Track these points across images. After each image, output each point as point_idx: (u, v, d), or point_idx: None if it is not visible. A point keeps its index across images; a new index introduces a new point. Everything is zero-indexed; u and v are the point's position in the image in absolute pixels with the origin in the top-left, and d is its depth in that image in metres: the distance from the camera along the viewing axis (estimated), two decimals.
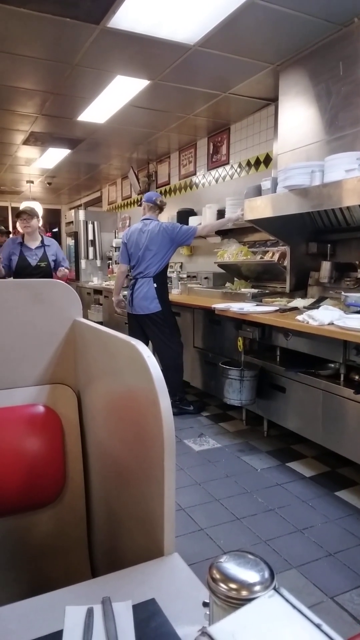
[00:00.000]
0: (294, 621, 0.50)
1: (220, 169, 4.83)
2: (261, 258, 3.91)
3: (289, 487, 2.58)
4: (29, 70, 3.41)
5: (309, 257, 3.37)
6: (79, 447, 1.19)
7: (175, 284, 5.02)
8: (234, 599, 0.54)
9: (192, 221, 4.76)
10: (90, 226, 7.42)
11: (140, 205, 3.93)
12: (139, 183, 6.39)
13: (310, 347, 2.66)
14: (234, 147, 4.59)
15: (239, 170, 4.54)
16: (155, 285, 3.66)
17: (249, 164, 4.38)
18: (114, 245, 7.02)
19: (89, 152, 5.82)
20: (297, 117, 3.20)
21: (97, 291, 6.50)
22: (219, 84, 3.66)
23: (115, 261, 6.66)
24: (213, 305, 3.33)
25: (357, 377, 2.51)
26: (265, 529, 2.19)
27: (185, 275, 5.22)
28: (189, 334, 4.02)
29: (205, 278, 4.69)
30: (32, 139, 5.22)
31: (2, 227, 7.17)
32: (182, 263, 5.60)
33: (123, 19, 2.65)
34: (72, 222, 7.70)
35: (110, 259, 7.26)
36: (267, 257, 3.85)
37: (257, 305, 3.24)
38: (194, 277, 5.03)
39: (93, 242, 7.45)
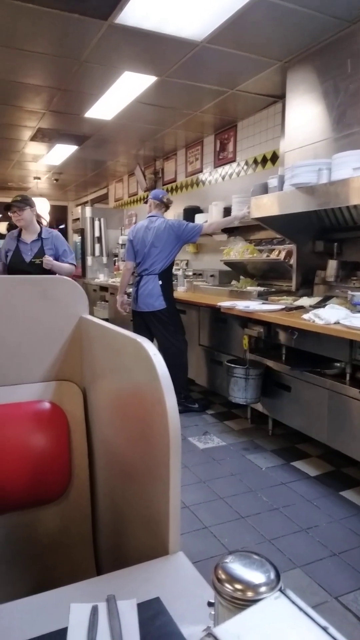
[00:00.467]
0: (300, 623, 0.50)
1: (226, 167, 4.82)
2: (267, 256, 3.90)
3: (294, 486, 2.57)
4: (37, 66, 3.41)
5: (315, 256, 3.36)
6: (84, 444, 1.19)
7: (181, 282, 5.01)
8: (240, 600, 0.54)
9: (198, 219, 4.75)
10: (96, 223, 7.42)
11: (146, 202, 3.92)
12: (145, 180, 6.38)
13: (316, 346, 2.65)
14: (241, 144, 4.57)
15: (245, 167, 4.52)
16: (160, 282, 3.65)
17: (255, 161, 4.36)
18: (120, 242, 7.01)
19: (96, 149, 5.82)
20: (305, 114, 3.17)
21: (103, 288, 6.50)
22: (226, 80, 3.64)
23: (122, 258, 6.66)
24: (219, 303, 3.33)
25: None
26: (270, 528, 2.19)
27: (191, 273, 5.21)
28: (195, 331, 4.01)
29: (211, 276, 4.68)
30: (40, 135, 5.22)
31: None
32: (188, 260, 5.59)
33: (131, 15, 2.64)
34: (78, 218, 7.71)
35: (116, 255, 7.26)
36: (273, 255, 3.83)
37: (262, 303, 3.22)
38: (200, 274, 5.02)
39: (99, 239, 7.45)
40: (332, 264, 3.15)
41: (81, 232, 7.56)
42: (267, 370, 3.07)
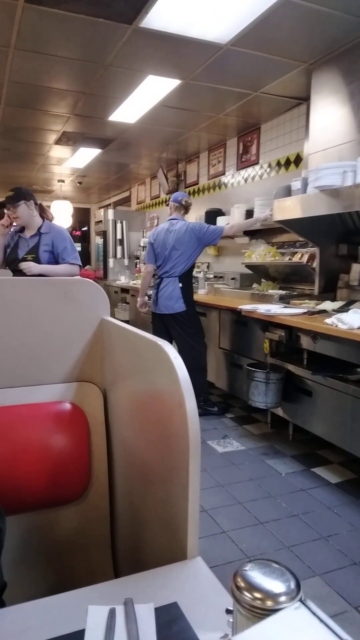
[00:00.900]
0: (320, 635, 0.49)
1: (249, 169, 4.79)
2: (290, 259, 3.86)
3: (314, 493, 2.53)
4: (62, 71, 3.46)
5: (338, 259, 3.31)
6: (104, 446, 1.19)
7: (202, 284, 5.01)
8: (259, 609, 0.53)
9: (220, 221, 4.73)
10: (118, 225, 7.48)
11: (168, 205, 3.93)
12: (167, 183, 6.40)
13: (339, 351, 2.61)
14: (264, 146, 4.55)
15: (268, 170, 4.49)
16: (180, 285, 3.65)
17: (279, 164, 4.33)
18: (142, 245, 7.05)
19: (119, 152, 5.87)
20: (329, 116, 3.13)
21: (124, 290, 6.54)
22: (250, 83, 3.63)
23: (143, 261, 6.69)
24: (240, 306, 3.31)
25: None
26: (289, 534, 2.16)
27: (212, 276, 5.20)
28: (215, 334, 4.00)
29: (232, 279, 4.66)
30: (64, 139, 5.29)
31: None
32: (209, 263, 5.58)
33: (155, 19, 2.66)
34: (101, 221, 7.78)
35: (137, 258, 7.30)
36: (295, 259, 3.80)
37: (284, 307, 3.19)
38: (221, 277, 5.01)
39: (121, 241, 7.51)
40: (356, 268, 3.10)
41: (103, 234, 7.63)
42: (288, 374, 3.04)
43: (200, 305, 3.97)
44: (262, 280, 4.27)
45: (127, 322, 4.80)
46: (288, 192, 3.30)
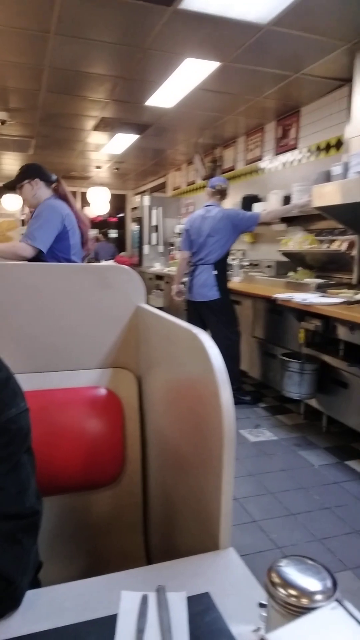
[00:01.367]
0: (358, 638, 0.48)
1: (288, 154, 4.67)
2: (328, 247, 3.76)
3: (347, 486, 2.49)
4: (101, 56, 3.45)
5: None
6: (138, 432, 1.20)
7: (237, 272, 4.95)
8: (293, 606, 0.52)
9: (257, 208, 4.65)
10: (154, 212, 7.47)
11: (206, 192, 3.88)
12: (204, 168, 6.33)
13: None
14: (304, 130, 4.41)
15: (308, 154, 4.36)
16: (215, 272, 3.62)
17: (318, 148, 4.20)
18: (177, 231, 7.03)
19: (156, 138, 5.83)
20: None
21: (159, 277, 6.55)
22: (291, 64, 3.52)
23: (178, 247, 6.68)
24: (275, 295, 3.25)
25: None
26: (321, 527, 2.13)
27: (247, 263, 5.13)
28: (249, 323, 3.96)
29: (268, 266, 4.58)
30: (102, 125, 5.30)
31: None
32: (244, 250, 5.50)
33: (194, 0, 2.60)
34: (137, 207, 7.79)
35: (172, 244, 7.28)
36: (334, 246, 3.69)
37: (321, 296, 3.12)
38: (256, 265, 4.94)
39: (156, 228, 7.51)
40: None
41: (139, 221, 7.64)
42: (324, 365, 2.98)
43: (235, 294, 3.93)
44: (299, 268, 4.18)
45: (161, 308, 4.82)
46: (328, 177, 3.21)
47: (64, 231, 2.56)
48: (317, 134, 4.22)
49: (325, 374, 2.97)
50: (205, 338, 0.82)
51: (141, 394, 1.22)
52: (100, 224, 9.72)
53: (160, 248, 7.55)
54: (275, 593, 0.53)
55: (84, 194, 8.62)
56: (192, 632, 0.61)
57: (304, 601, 0.52)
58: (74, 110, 4.80)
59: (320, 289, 3.41)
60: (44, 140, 6.04)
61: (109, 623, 0.62)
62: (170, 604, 0.65)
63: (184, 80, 3.87)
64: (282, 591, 0.53)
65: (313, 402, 3.14)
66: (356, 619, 0.49)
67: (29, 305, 1.14)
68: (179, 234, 6.64)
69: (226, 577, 0.73)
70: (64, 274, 1.18)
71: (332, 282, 3.63)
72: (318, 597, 0.52)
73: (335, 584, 0.54)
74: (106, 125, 5.31)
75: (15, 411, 0.70)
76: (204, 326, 3.65)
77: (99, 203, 7.84)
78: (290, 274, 4.22)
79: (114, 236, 10.45)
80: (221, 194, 3.76)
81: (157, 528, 1.16)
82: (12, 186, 2.70)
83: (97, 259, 7.51)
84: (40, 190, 2.65)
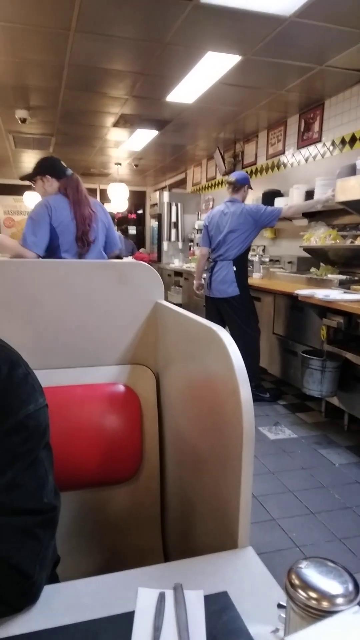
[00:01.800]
0: None
1: (311, 148, 4.60)
2: (351, 242, 3.69)
3: None
4: (121, 52, 3.44)
5: None
6: (156, 428, 1.20)
7: (257, 268, 4.91)
8: (314, 609, 0.51)
9: (278, 203, 4.59)
10: (173, 208, 7.46)
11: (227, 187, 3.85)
12: (224, 164, 6.29)
13: None
14: (328, 123, 4.34)
15: (331, 148, 4.28)
16: (234, 268, 3.59)
17: (343, 141, 4.12)
18: (196, 227, 7.00)
19: (176, 133, 5.81)
20: None
21: (178, 273, 6.55)
22: (315, 56, 3.45)
23: (197, 243, 6.65)
24: (296, 291, 3.21)
25: None
26: (341, 526, 2.10)
27: (267, 259, 5.08)
28: (269, 320, 3.92)
29: (289, 262, 4.53)
30: (122, 121, 5.30)
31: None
32: (265, 246, 5.45)
33: None
34: (156, 204, 7.79)
35: (191, 241, 7.27)
36: (358, 242, 3.62)
37: (344, 292, 3.06)
38: (277, 261, 4.88)
39: (176, 224, 7.50)
40: None
41: (158, 217, 7.64)
42: (346, 362, 2.93)
43: (255, 290, 3.90)
44: (321, 264, 4.11)
45: (179, 305, 4.82)
46: (352, 171, 3.15)
47: (51, 229, 2.57)
48: (341, 126, 4.14)
49: (347, 372, 2.92)
50: (224, 335, 0.81)
51: (159, 391, 1.22)
52: (120, 221, 9.78)
53: (180, 244, 7.54)
54: (295, 595, 0.52)
55: (103, 191, 8.67)
56: (209, 631, 0.60)
57: (325, 604, 0.51)
58: (93, 107, 4.82)
59: (343, 285, 3.35)
60: (64, 137, 6.08)
61: (126, 620, 0.62)
62: (188, 602, 0.65)
63: (204, 75, 3.84)
64: (302, 593, 0.52)
65: (334, 400, 3.09)
66: None
67: (49, 302, 1.15)
68: (199, 230, 6.62)
69: (244, 576, 0.72)
70: (83, 271, 1.18)
71: (356, 278, 3.56)
72: (339, 600, 0.51)
73: (357, 587, 0.52)
74: (126, 121, 5.31)
75: (34, 407, 0.71)
76: (222, 323, 3.64)
77: (118, 200, 7.87)
78: (312, 270, 4.16)
79: (133, 233, 10.49)
80: (233, 185, 3.69)
81: (175, 525, 1.15)
82: (29, 179, 2.76)
83: (119, 256, 7.56)
84: (51, 186, 2.68)
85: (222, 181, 6.67)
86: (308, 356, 3.04)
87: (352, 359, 2.88)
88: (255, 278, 4.60)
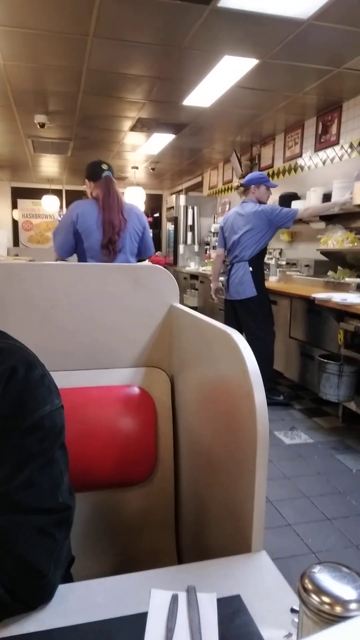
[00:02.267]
0: None
1: (328, 150, 4.57)
2: None
3: None
4: (138, 57, 3.47)
5: None
6: (170, 431, 1.20)
7: (273, 271, 4.88)
8: (327, 614, 0.50)
9: (295, 205, 4.56)
10: (189, 211, 7.48)
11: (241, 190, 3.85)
12: (241, 167, 6.28)
13: None
14: (346, 126, 4.30)
15: (349, 150, 4.25)
16: (251, 269, 3.58)
17: None
18: (212, 231, 7.00)
19: (193, 137, 5.83)
20: None
21: (194, 276, 6.55)
22: (333, 59, 3.43)
23: (213, 247, 6.65)
24: (313, 295, 3.19)
25: None
26: (358, 533, 2.08)
27: (284, 262, 5.05)
28: (285, 323, 3.90)
29: (306, 266, 4.50)
30: (139, 125, 5.34)
31: None
32: (281, 249, 5.42)
33: None
34: (172, 207, 7.82)
35: (207, 244, 7.27)
36: None
37: None
38: (294, 264, 4.85)
39: (192, 227, 7.51)
40: None
41: (174, 220, 7.67)
42: None
43: (271, 293, 3.88)
44: (338, 267, 4.07)
45: (195, 308, 4.82)
46: None
47: (76, 233, 2.63)
48: (359, 129, 4.11)
49: None
50: (239, 338, 0.81)
51: (174, 393, 1.22)
52: None
53: (196, 247, 7.55)
54: (307, 600, 0.52)
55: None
56: (221, 633, 0.61)
57: (338, 609, 0.50)
58: (111, 112, 4.86)
59: None
60: (82, 142, 6.14)
61: (139, 620, 0.62)
62: (201, 604, 0.65)
63: (221, 79, 3.85)
64: (315, 598, 0.51)
65: (352, 405, 3.06)
66: None
67: (66, 304, 1.16)
68: (215, 233, 6.62)
69: (258, 580, 0.72)
70: (99, 274, 1.19)
71: None
72: (353, 605, 0.50)
73: None
74: (143, 125, 5.34)
75: (50, 408, 0.72)
76: (238, 326, 3.62)
77: (135, 203, 7.91)
78: (330, 273, 4.12)
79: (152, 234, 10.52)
80: (246, 190, 3.70)
81: (189, 527, 1.15)
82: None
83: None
84: (91, 189, 2.81)
85: (238, 184, 6.66)
86: (325, 360, 3.02)
87: None
88: (272, 281, 4.58)
